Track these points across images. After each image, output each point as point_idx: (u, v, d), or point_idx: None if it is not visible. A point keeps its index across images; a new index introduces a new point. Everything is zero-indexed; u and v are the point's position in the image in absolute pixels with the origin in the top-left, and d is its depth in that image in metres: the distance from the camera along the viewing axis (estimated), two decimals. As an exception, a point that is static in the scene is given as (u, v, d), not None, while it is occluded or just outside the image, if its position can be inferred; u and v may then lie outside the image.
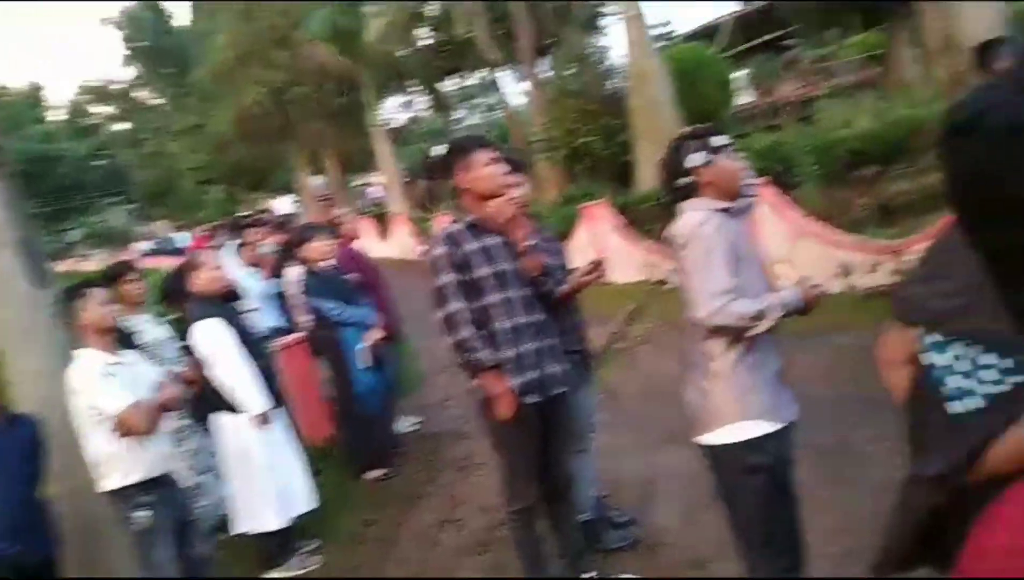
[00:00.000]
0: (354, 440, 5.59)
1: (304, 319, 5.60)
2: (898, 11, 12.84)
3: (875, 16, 15.76)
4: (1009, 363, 1.59)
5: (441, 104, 29.03)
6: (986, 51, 3.33)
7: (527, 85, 18.75)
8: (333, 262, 5.61)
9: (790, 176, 9.27)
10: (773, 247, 7.38)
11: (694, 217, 2.48)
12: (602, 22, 22.87)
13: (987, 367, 1.64)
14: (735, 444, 2.49)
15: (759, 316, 2.42)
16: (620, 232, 10.58)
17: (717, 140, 2.56)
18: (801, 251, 7.62)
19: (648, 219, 10.29)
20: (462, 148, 3.28)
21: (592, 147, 14.36)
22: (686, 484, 4.11)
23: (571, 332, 3.66)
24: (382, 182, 26.37)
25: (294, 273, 5.68)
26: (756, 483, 2.51)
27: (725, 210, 2.52)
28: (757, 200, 2.70)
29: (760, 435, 2.48)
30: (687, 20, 68.41)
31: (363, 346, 5.44)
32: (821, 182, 9.15)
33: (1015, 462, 1.52)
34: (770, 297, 2.47)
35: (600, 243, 10.48)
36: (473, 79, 28.60)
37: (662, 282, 9.62)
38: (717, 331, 2.46)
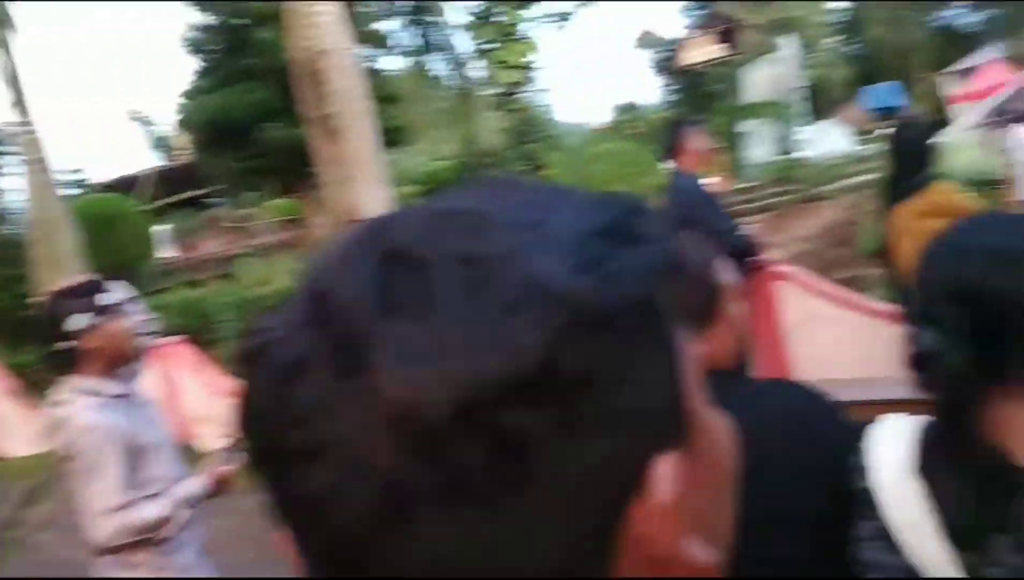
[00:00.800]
0: None
1: None
2: (309, 182, 14.10)
3: (291, 184, 17.08)
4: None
5: None
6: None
7: None
8: None
9: (211, 332, 9.25)
10: (192, 405, 7.14)
11: (77, 422, 2.16)
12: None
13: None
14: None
15: (163, 520, 2.22)
16: (13, 396, 9.19)
17: (105, 297, 2.26)
18: (220, 408, 7.50)
19: (50, 382, 9.16)
20: None
21: (-17, 298, 12.45)
22: None
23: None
24: None
25: None
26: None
27: (117, 395, 2.28)
28: (161, 359, 2.54)
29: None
30: (106, 169, 65.63)
31: None
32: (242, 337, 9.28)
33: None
34: (173, 493, 2.28)
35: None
36: None
37: (68, 451, 8.54)
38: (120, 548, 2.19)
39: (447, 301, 0.35)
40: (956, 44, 27.78)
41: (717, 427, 0.45)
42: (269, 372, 0.37)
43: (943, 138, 8.66)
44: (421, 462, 0.34)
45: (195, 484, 2.35)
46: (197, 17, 16.32)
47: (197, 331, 8.79)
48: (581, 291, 0.36)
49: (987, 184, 4.81)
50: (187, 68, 38.27)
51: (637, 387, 0.38)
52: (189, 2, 15.86)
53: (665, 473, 0.38)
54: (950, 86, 19.16)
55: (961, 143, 6.87)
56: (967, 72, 18.36)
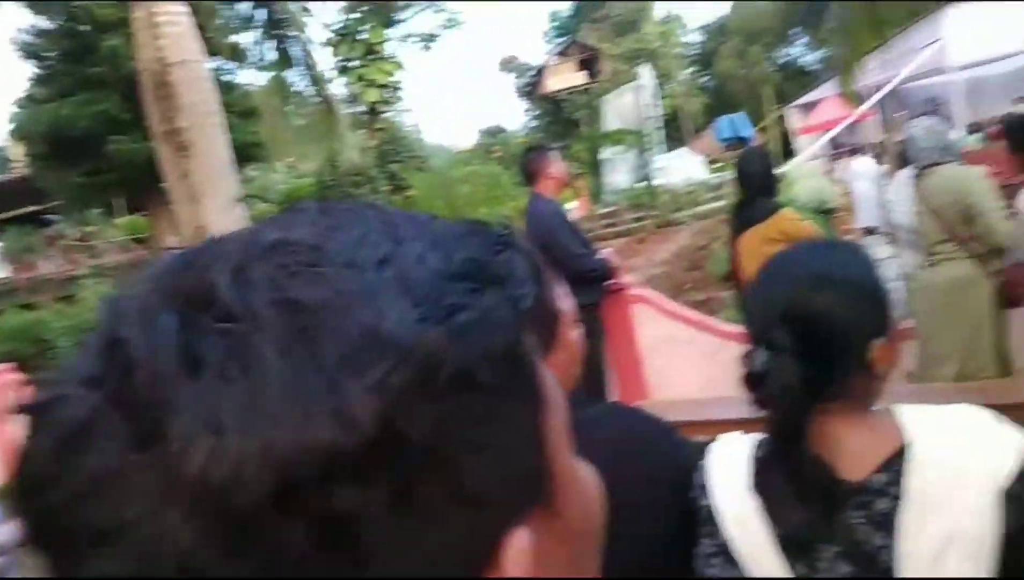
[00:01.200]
0: None
1: None
2: (159, 199, 13.49)
3: (140, 201, 16.27)
4: None
5: None
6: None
7: None
8: None
9: (48, 358, 8.67)
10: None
11: None
12: None
13: None
14: None
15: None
16: None
17: None
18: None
19: None
20: None
21: None
22: None
23: None
24: None
25: None
26: None
27: None
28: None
29: None
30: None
31: None
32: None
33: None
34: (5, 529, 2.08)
35: None
36: None
37: None
38: None
39: (264, 358, 0.29)
40: (799, 79, 29.87)
41: (584, 482, 0.40)
42: (52, 434, 0.30)
43: (787, 167, 9.24)
44: (230, 550, 0.29)
45: (12, 528, 2.13)
46: (31, 20, 15.27)
47: (32, 357, 8.18)
48: (431, 344, 0.30)
49: (827, 212, 5.15)
50: (21, 74, 35.96)
51: (496, 454, 0.33)
52: (22, 2, 14.81)
53: (522, 546, 0.33)
54: (794, 118, 20.48)
55: (803, 172, 7.35)
56: (809, 106, 19.69)
